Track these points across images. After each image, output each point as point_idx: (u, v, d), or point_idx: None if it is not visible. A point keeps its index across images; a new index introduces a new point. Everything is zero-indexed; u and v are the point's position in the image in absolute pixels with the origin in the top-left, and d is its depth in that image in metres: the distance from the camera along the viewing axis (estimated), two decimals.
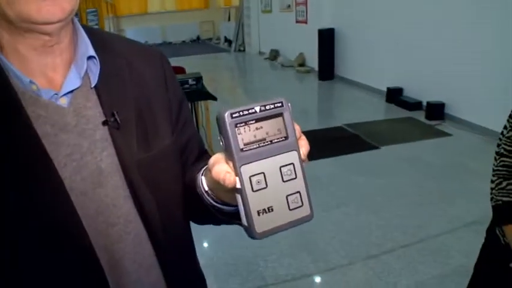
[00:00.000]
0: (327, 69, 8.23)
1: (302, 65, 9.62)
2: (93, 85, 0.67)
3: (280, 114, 0.50)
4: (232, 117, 0.48)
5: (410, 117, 5.61)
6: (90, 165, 0.64)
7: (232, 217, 0.66)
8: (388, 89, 6.45)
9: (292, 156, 0.51)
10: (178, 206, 0.74)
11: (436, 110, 5.40)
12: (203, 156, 0.83)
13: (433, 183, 3.70)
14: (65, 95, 0.64)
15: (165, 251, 0.71)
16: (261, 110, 0.49)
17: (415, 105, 5.87)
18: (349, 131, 5.19)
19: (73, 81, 0.64)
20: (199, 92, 4.18)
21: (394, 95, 6.31)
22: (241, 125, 0.48)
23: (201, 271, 0.86)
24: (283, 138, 0.50)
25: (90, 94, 0.66)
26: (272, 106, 0.50)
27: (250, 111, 0.49)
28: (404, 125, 5.36)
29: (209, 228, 0.88)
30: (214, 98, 4.16)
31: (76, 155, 0.63)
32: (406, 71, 6.24)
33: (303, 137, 0.54)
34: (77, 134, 0.64)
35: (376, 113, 5.95)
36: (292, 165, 0.51)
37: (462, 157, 4.23)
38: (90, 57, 0.66)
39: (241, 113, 0.48)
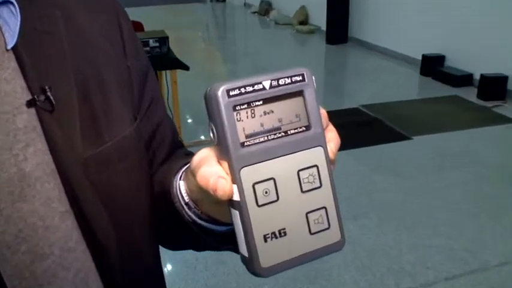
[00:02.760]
0: (338, 29, 8.24)
1: (304, 22, 9.61)
2: (9, 46, 0.61)
3: (300, 93, 0.50)
4: (229, 96, 0.47)
5: (455, 95, 5.65)
6: (7, 167, 0.59)
7: (223, 241, 0.65)
8: (425, 56, 6.48)
9: (316, 155, 0.50)
10: (145, 224, 0.73)
11: (494, 86, 5.42)
12: (178, 151, 0.82)
13: (489, 189, 3.71)
14: None
15: None
16: (272, 86, 0.48)
17: (463, 80, 5.90)
18: (369, 114, 5.20)
19: None
20: (163, 58, 4.12)
21: (433, 65, 6.34)
22: (243, 107, 0.47)
23: None
24: (304, 129, 0.50)
25: (6, 60, 0.61)
26: (288, 80, 0.49)
27: (255, 87, 0.48)
28: (447, 106, 5.39)
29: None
30: (185, 67, 4.10)
31: None
32: (451, 32, 6.25)
33: (331, 127, 0.53)
34: None
35: (407, 90, 5.98)
36: (315, 168, 0.50)
37: None
38: (4, 3, 0.61)
39: (242, 89, 0.47)
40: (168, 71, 4.36)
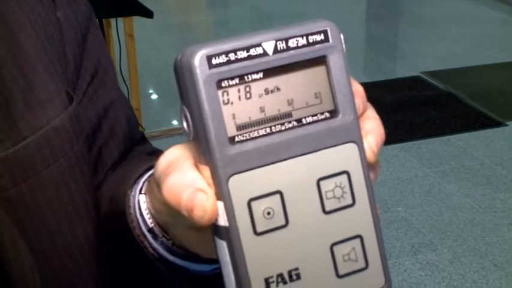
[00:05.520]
0: None
1: None
2: None
3: (322, 60, 0.50)
4: (210, 66, 0.47)
5: None
6: None
7: (207, 286, 0.66)
8: None
9: (346, 156, 0.50)
10: (87, 263, 0.74)
11: None
12: (136, 148, 0.85)
13: None
14: None
15: None
16: (277, 50, 0.48)
17: None
18: (437, 86, 5.22)
19: None
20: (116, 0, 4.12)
21: None
22: (232, 83, 0.48)
23: None
24: (328, 115, 0.50)
25: None
26: (303, 41, 0.49)
27: (251, 51, 0.48)
28: None
29: None
30: (147, 13, 4.09)
31: None
32: None
33: (371, 113, 0.53)
34: None
35: (498, 48, 5.98)
36: (345, 175, 0.50)
37: None
38: None
39: (231, 55, 0.47)
40: (120, 20, 4.36)
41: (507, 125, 4.60)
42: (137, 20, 4.29)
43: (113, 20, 4.43)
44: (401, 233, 3.47)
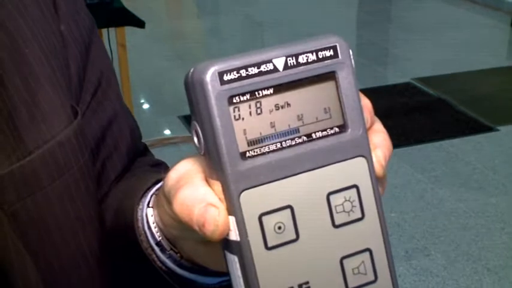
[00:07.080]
0: None
1: None
2: None
3: (331, 76, 0.50)
4: (222, 82, 0.47)
5: None
6: None
7: None
8: None
9: (355, 170, 0.51)
10: (92, 277, 0.73)
11: None
12: (140, 160, 0.84)
13: None
14: None
15: None
16: (287, 66, 0.48)
17: None
18: (428, 93, 5.19)
19: None
20: (105, 10, 4.10)
21: None
22: (244, 99, 0.48)
23: None
24: (337, 130, 0.50)
25: None
26: (313, 57, 0.49)
27: (262, 67, 0.48)
28: None
29: None
30: (138, 23, 4.09)
31: None
32: None
33: (379, 127, 0.53)
34: None
35: (489, 54, 5.93)
36: (354, 189, 0.50)
37: None
38: None
39: (242, 71, 0.47)
40: (112, 30, 4.33)
41: (498, 130, 4.58)
42: (129, 29, 4.26)
43: (104, 30, 4.41)
44: (394, 239, 3.46)
